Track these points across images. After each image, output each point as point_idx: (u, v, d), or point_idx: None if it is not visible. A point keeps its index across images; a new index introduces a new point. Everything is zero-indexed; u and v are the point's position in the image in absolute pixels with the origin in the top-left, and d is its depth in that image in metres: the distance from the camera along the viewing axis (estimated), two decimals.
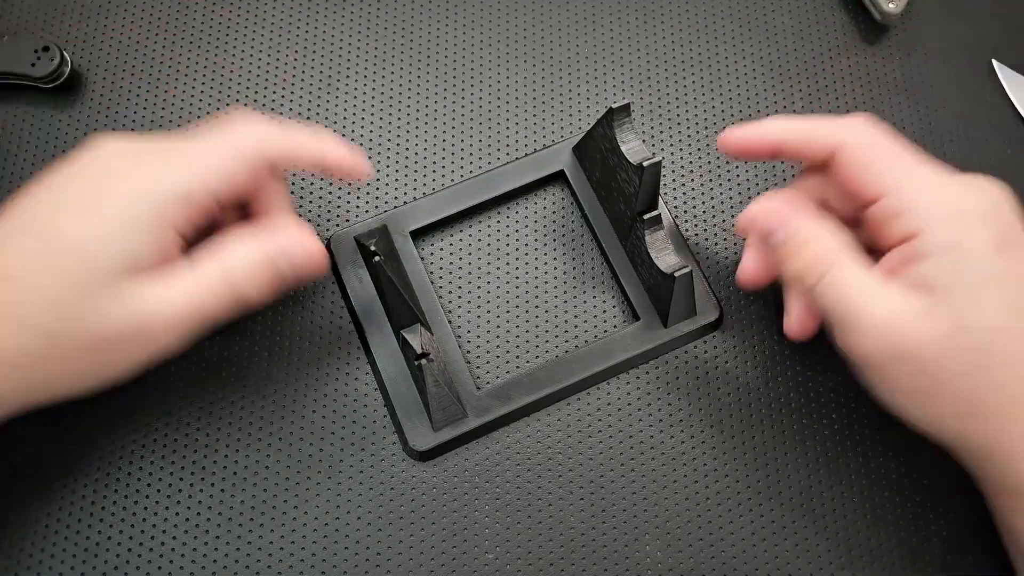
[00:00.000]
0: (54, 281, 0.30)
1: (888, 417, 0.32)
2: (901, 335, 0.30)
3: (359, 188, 0.41)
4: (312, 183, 0.41)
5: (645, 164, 0.34)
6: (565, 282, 0.39)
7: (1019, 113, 0.43)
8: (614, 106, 0.36)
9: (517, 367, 0.38)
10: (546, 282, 0.39)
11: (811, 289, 0.32)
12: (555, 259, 0.40)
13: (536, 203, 0.41)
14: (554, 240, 0.40)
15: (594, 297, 0.39)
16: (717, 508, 0.36)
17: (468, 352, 0.38)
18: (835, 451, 0.36)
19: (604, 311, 0.39)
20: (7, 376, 0.30)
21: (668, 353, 0.38)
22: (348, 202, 0.40)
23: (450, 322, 0.38)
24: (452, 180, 0.41)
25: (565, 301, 0.39)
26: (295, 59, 0.43)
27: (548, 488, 0.36)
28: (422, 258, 0.40)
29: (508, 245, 0.40)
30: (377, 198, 0.40)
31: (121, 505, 0.35)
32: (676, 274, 0.35)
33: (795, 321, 0.36)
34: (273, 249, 0.33)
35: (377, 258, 0.35)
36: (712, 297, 0.38)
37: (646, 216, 0.36)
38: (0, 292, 0.30)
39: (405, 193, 0.41)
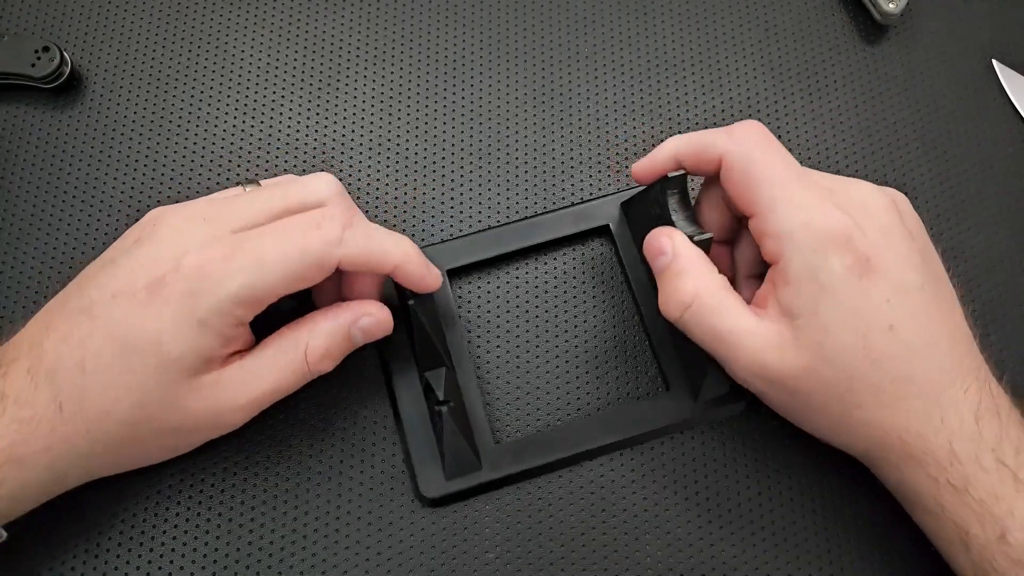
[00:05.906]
0: (133, 378, 0.30)
1: None
2: (768, 366, 0.31)
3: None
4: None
5: (696, 239, 0.33)
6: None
7: (1019, 113, 0.43)
8: (670, 175, 0.35)
9: (538, 421, 0.37)
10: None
11: (679, 319, 0.32)
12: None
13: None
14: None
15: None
16: (718, 508, 0.36)
17: (491, 402, 0.37)
18: (839, 454, 0.36)
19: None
20: (82, 464, 0.31)
21: (695, 428, 0.37)
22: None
23: (477, 368, 0.38)
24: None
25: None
26: (296, 58, 0.43)
27: (549, 488, 0.36)
28: (458, 298, 0.39)
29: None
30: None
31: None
32: None
33: None
34: (348, 321, 0.33)
35: (411, 302, 0.34)
36: None
37: None
38: (79, 385, 0.30)
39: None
